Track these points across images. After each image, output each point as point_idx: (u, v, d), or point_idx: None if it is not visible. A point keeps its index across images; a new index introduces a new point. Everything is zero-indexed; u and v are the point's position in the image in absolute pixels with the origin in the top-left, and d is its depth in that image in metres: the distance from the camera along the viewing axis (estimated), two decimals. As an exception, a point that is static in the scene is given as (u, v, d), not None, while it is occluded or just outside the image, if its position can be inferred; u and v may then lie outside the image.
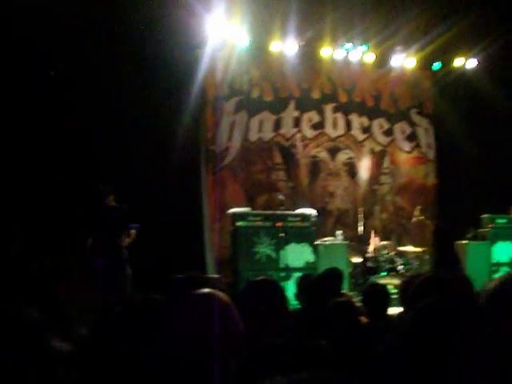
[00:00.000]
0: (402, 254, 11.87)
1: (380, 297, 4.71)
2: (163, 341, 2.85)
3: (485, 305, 2.36)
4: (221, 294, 3.02)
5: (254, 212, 10.91)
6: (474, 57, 14.16)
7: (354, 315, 4.04)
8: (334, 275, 5.61)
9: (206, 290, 3.10)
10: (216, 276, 10.29)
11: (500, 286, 2.31)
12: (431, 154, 14.71)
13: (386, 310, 4.72)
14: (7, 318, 2.78)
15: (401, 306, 4.22)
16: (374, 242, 12.09)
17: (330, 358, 3.26)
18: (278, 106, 13.31)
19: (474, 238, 12.07)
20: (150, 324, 2.96)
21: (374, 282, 7.55)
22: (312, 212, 11.00)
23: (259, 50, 12.88)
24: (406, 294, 4.46)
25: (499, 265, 11.71)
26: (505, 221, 12.04)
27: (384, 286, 5.15)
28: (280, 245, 10.24)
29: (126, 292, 8.61)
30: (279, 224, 10.23)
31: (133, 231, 9.27)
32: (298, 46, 12.88)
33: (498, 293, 2.30)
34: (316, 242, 10.78)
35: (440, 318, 2.50)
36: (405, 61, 14.01)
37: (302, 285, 5.32)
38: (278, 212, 10.55)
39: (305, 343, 3.02)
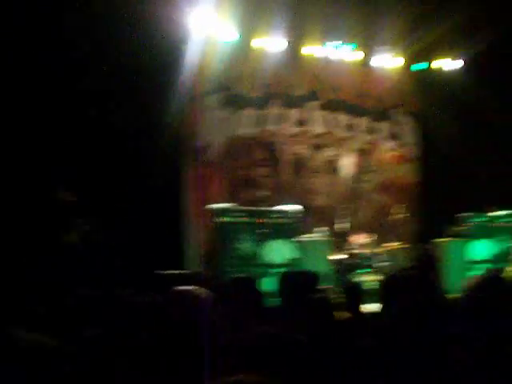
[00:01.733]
0: (384, 251, 11.93)
1: (357, 293, 4.76)
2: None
3: (465, 302, 2.38)
4: (204, 291, 3.05)
5: (236, 208, 10.86)
6: (459, 57, 14.25)
7: (329, 311, 4.06)
8: (312, 273, 5.63)
9: (190, 287, 3.12)
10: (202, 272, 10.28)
11: (479, 284, 2.34)
12: (414, 153, 14.77)
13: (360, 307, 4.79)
14: None
15: (381, 302, 4.27)
16: (357, 239, 12.14)
17: (307, 352, 3.27)
18: (262, 102, 13.31)
19: (452, 235, 12.15)
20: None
21: (352, 279, 7.62)
22: (295, 208, 11.00)
23: (246, 46, 12.86)
24: (386, 291, 4.51)
25: (475, 263, 11.76)
26: (482, 219, 12.12)
27: (359, 283, 5.21)
28: (262, 241, 10.23)
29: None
30: (262, 220, 10.23)
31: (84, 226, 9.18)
32: (285, 43, 12.88)
33: (477, 291, 2.33)
34: (299, 239, 10.78)
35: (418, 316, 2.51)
36: (390, 60, 14.06)
37: (283, 282, 5.32)
38: (261, 208, 10.53)
39: (280, 337, 3.03)
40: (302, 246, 10.67)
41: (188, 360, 2.72)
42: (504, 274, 9.85)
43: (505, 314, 2.23)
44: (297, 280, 5.16)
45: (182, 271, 5.69)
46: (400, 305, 2.70)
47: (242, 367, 3.12)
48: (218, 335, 2.92)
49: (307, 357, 3.17)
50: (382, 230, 13.83)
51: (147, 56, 10.92)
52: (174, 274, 6.20)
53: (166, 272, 7.83)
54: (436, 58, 14.31)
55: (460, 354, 2.40)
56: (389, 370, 2.74)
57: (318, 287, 5.74)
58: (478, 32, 12.99)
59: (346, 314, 4.70)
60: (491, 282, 2.38)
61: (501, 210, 12.12)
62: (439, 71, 14.43)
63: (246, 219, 10.42)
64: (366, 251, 11.72)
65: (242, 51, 12.88)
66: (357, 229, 13.03)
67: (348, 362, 3.73)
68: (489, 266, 11.49)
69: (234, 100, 13.08)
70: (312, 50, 13.28)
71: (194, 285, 3.42)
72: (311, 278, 5.36)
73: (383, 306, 4.05)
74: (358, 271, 11.18)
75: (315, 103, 13.87)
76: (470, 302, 2.36)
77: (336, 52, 13.47)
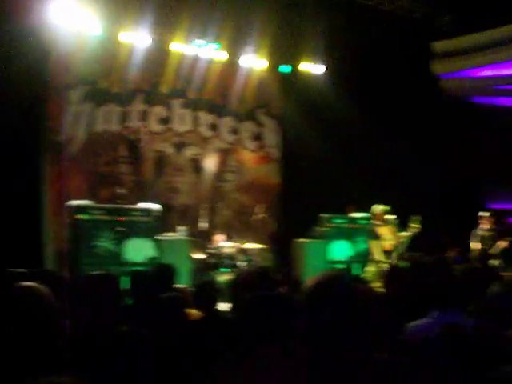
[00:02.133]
0: (244, 251, 12.08)
1: (210, 292, 4.81)
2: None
3: (304, 302, 2.45)
4: (41, 288, 3.00)
5: (95, 205, 10.62)
6: (322, 62, 14.63)
7: (181, 310, 4.09)
8: (166, 270, 5.64)
9: (31, 284, 3.08)
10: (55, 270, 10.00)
11: (316, 285, 2.41)
12: (276, 154, 15.02)
13: (214, 306, 4.86)
14: None
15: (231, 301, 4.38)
16: (217, 238, 12.22)
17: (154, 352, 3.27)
18: (125, 98, 13.12)
19: (313, 236, 12.47)
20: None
21: (209, 279, 7.71)
22: (155, 207, 10.94)
23: (110, 40, 12.58)
24: (234, 290, 4.59)
25: (335, 263, 12.15)
26: (342, 220, 12.51)
27: (212, 282, 5.28)
28: (122, 239, 10.13)
29: None
30: (121, 218, 10.11)
31: None
32: (150, 39, 12.75)
33: (314, 292, 2.40)
34: (158, 238, 10.73)
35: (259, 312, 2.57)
36: (255, 62, 14.21)
37: (135, 280, 5.31)
38: (121, 206, 10.41)
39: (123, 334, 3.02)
40: (163, 244, 10.64)
41: (21, 356, 2.68)
42: (363, 274, 10.26)
43: (339, 313, 2.32)
44: (149, 278, 5.16)
45: (31, 269, 5.53)
46: (242, 302, 2.77)
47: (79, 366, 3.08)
48: (57, 332, 2.89)
49: (152, 355, 3.17)
50: (242, 229, 13.99)
51: (6, 48, 10.53)
52: (22, 272, 6.02)
53: (14, 270, 7.59)
54: (299, 62, 14.61)
55: (301, 349, 2.47)
56: (233, 367, 2.77)
57: (175, 286, 5.76)
58: (341, 39, 13.42)
59: (198, 313, 4.74)
60: (331, 280, 2.46)
61: (359, 211, 12.55)
62: (302, 75, 14.75)
63: (105, 217, 10.27)
64: (227, 251, 11.82)
65: (107, 45, 12.63)
66: (218, 228, 13.12)
67: (199, 361, 3.76)
68: (347, 266, 11.91)
69: (97, 95, 12.81)
70: (178, 47, 13.23)
71: (44, 283, 3.36)
72: (165, 276, 5.36)
73: (232, 305, 4.11)
74: (218, 271, 11.27)
75: (179, 101, 13.84)
76: (310, 300, 2.43)
77: (201, 51, 13.48)
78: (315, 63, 14.68)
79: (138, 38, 12.65)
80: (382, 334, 3.16)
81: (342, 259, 12.24)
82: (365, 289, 3.45)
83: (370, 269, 10.77)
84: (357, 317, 2.38)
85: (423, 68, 14.52)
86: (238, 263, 11.58)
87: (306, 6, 13.04)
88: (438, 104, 14.47)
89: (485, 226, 11.49)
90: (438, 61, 14.80)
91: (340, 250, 12.39)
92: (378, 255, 10.85)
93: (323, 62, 14.67)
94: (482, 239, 11.38)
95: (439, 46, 14.72)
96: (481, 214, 11.63)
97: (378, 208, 11.22)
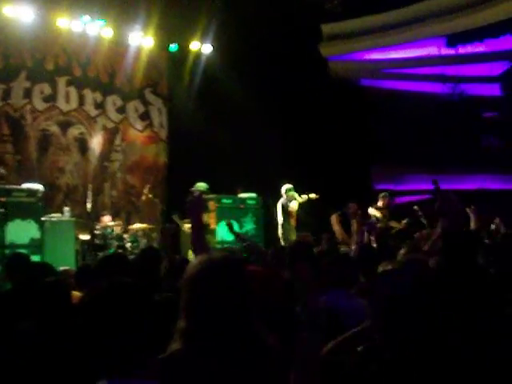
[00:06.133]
0: (130, 232, 12.00)
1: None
2: None
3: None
4: None
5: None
6: (210, 42, 14.63)
7: (64, 294, 3.98)
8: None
9: None
10: None
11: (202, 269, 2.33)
12: (163, 134, 14.96)
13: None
14: None
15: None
16: (105, 219, 12.07)
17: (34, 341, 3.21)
18: (8, 74, 12.71)
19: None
20: None
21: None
22: (39, 187, 10.66)
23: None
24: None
25: (219, 243, 12.11)
26: (230, 201, 12.51)
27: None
28: (3, 221, 9.80)
29: None
30: (2, 199, 9.79)
31: None
32: (33, 14, 12.37)
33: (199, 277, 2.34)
34: (43, 218, 10.47)
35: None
36: (142, 40, 14.07)
37: (12, 264, 5.11)
38: (2, 186, 10.10)
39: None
40: (48, 225, 10.40)
41: None
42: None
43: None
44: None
45: None
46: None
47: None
48: None
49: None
50: (129, 210, 13.90)
51: None
52: None
53: None
54: (188, 41, 14.55)
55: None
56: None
57: (57, 269, 5.63)
58: (228, 20, 13.46)
59: (80, 295, 4.65)
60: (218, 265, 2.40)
61: (247, 192, 12.61)
62: (190, 54, 14.72)
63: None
64: (113, 232, 11.70)
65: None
66: (105, 209, 12.97)
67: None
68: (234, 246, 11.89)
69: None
70: (63, 23, 12.90)
71: None
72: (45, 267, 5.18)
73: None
74: (106, 251, 11.13)
75: (64, 78, 13.50)
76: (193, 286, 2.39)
77: (86, 27, 13.19)
78: (203, 43, 14.67)
79: (21, 12, 12.25)
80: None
81: (229, 239, 12.13)
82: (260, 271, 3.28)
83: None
84: (250, 302, 2.29)
85: (312, 50, 14.70)
86: (125, 244, 11.50)
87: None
88: (327, 86, 14.67)
89: (379, 205, 11.76)
90: (327, 43, 15.03)
91: (226, 231, 12.33)
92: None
93: (211, 42, 14.68)
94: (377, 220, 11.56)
95: (328, 28, 14.92)
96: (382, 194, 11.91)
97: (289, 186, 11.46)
